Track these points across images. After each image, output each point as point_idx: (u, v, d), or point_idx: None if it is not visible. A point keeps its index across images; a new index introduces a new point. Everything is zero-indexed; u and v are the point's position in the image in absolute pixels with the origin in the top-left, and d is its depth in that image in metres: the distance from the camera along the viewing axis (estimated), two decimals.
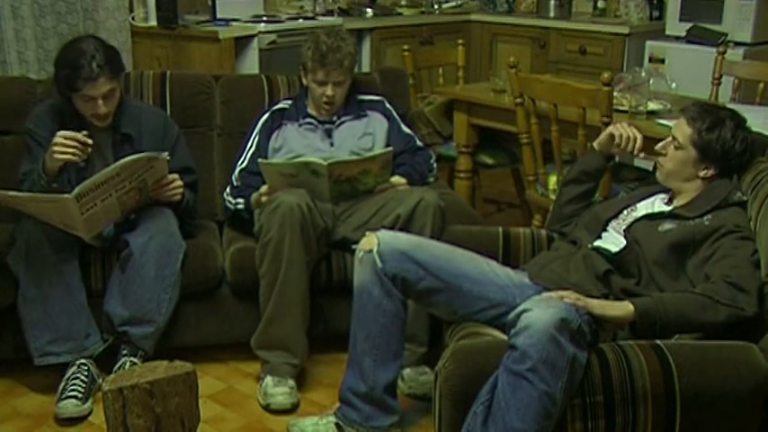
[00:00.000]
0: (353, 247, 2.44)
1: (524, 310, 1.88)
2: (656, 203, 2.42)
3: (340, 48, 2.92)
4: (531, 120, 3.31)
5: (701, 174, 2.32)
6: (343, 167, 2.76)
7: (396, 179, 2.91)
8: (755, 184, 2.24)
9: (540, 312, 1.85)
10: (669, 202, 2.40)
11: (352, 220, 2.85)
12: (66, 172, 2.67)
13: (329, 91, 2.95)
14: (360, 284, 2.35)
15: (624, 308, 2.01)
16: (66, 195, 2.51)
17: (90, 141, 2.54)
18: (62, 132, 2.57)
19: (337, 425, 2.41)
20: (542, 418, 1.82)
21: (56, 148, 2.55)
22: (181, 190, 2.82)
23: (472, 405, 1.87)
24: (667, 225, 2.25)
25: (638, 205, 2.43)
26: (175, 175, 2.81)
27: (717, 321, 1.98)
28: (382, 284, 2.29)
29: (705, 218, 2.21)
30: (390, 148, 2.87)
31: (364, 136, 3.03)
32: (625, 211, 2.43)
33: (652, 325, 1.98)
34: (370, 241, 2.34)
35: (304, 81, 3.03)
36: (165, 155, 2.69)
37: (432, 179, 3.13)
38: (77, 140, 2.55)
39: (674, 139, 2.35)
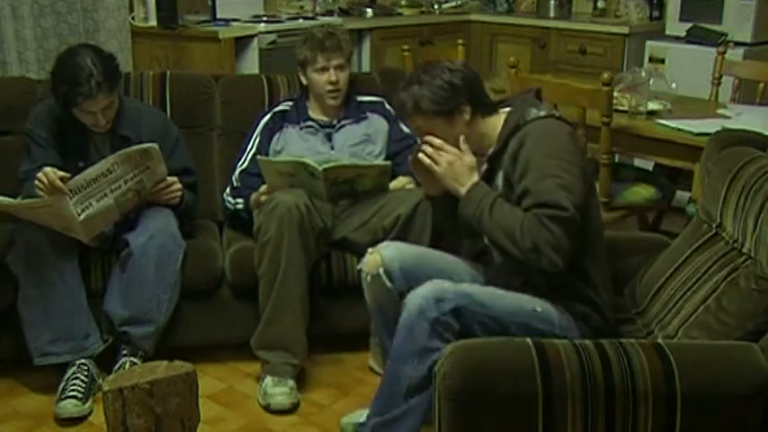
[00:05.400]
0: (358, 268, 2.40)
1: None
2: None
3: (335, 34, 2.97)
4: None
5: (466, 117, 2.21)
6: (339, 171, 2.76)
7: (402, 180, 2.90)
8: (756, 178, 2.21)
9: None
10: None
11: (353, 220, 2.85)
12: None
13: (333, 76, 2.94)
14: (374, 305, 2.34)
15: (464, 183, 2.15)
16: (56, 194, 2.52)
17: (65, 189, 2.53)
18: (48, 170, 2.54)
19: None
20: None
21: (36, 182, 2.54)
22: (179, 193, 2.82)
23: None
24: (499, 182, 2.21)
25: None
26: (174, 178, 2.81)
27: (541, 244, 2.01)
28: (397, 304, 2.24)
29: (510, 142, 2.16)
30: (389, 162, 2.86)
31: (364, 139, 3.02)
32: None
33: (471, 215, 2.11)
34: (374, 261, 2.30)
35: (303, 80, 3.03)
36: (156, 146, 2.68)
37: None
38: (54, 185, 2.52)
39: (422, 134, 2.23)
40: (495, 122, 2.24)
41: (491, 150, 2.22)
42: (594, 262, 2.20)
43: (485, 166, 2.24)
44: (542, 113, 2.18)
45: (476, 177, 2.19)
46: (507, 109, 2.25)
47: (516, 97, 2.33)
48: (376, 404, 2.20)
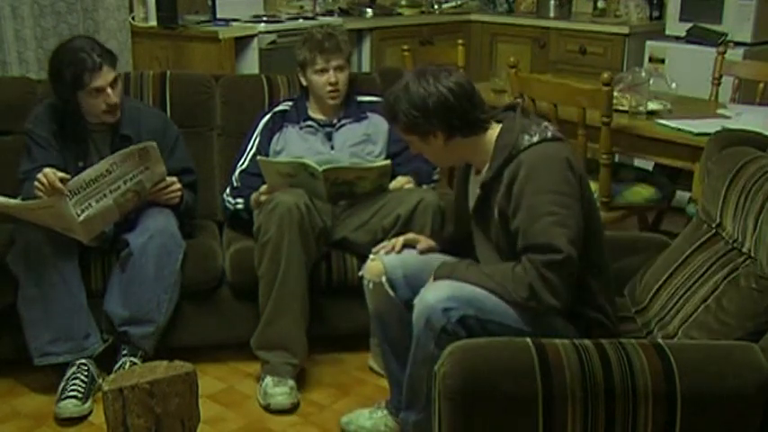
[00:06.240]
0: (360, 274, 2.40)
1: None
2: (473, 187, 2.28)
3: (334, 35, 2.97)
4: None
5: (439, 142, 2.13)
6: (339, 173, 2.76)
7: (401, 180, 2.90)
8: (756, 178, 2.21)
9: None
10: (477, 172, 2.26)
11: (353, 219, 2.85)
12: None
13: (332, 77, 2.94)
14: (375, 312, 2.33)
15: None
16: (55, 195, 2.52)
17: (65, 191, 2.54)
18: (47, 171, 2.54)
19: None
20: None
21: (36, 183, 2.54)
22: (179, 193, 2.82)
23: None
24: (495, 214, 2.16)
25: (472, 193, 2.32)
26: (174, 179, 2.81)
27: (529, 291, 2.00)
28: (399, 312, 2.25)
29: (504, 173, 2.09)
30: (388, 162, 2.86)
31: (365, 139, 3.02)
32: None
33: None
34: (377, 269, 2.28)
35: (303, 81, 3.03)
36: (155, 145, 2.69)
37: (437, 176, 3.11)
38: (53, 186, 2.52)
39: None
40: (484, 140, 2.15)
41: (482, 178, 2.16)
42: (598, 278, 2.16)
43: (478, 192, 2.18)
44: (535, 139, 2.08)
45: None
46: (498, 126, 2.16)
47: (503, 114, 2.21)
48: (403, 398, 2.24)
